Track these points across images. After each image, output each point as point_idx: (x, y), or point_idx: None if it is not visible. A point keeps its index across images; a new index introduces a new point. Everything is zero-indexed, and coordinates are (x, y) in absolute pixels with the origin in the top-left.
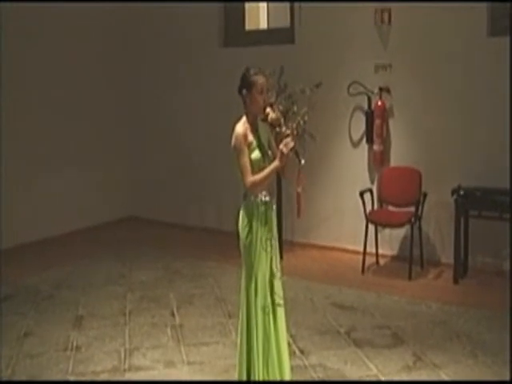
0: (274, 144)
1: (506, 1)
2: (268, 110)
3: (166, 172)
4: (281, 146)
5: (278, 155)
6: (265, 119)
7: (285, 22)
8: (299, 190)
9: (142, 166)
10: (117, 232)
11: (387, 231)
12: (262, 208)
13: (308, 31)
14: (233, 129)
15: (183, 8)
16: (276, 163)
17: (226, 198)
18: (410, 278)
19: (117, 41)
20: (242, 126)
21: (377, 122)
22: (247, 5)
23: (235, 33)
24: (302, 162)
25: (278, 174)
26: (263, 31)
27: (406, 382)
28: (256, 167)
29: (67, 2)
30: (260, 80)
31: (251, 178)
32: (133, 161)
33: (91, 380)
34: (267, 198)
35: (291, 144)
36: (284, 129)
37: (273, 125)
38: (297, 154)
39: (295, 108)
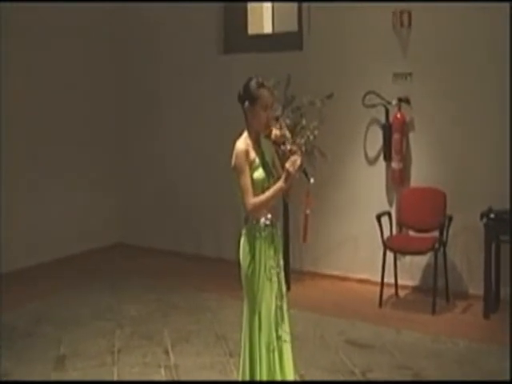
0: (278, 162)
1: (506, 0)
2: (271, 127)
3: (158, 195)
4: (287, 165)
5: (284, 175)
6: (268, 136)
7: (292, 26)
8: (308, 211)
9: (132, 188)
10: (105, 260)
11: (407, 259)
12: (266, 233)
13: (318, 36)
14: (233, 146)
15: (176, 9)
16: (281, 184)
17: (225, 223)
18: (433, 312)
19: (102, 54)
20: (243, 143)
21: (395, 136)
22: (250, 6)
23: (236, 38)
24: (311, 180)
25: (283, 197)
26: (268, 36)
27: (406, 382)
28: (259, 188)
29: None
30: (264, 95)
31: (253, 200)
32: (122, 184)
33: (91, 380)
34: (271, 222)
35: (299, 162)
36: (289, 146)
37: (277, 143)
38: (305, 173)
39: (304, 122)
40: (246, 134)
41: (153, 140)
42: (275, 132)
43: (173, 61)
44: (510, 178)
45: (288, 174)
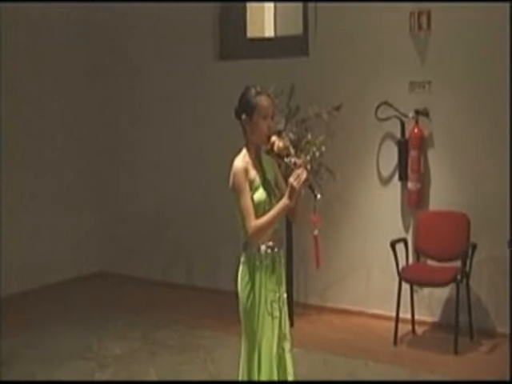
0: (282, 180)
1: (507, 0)
2: (273, 138)
3: (144, 218)
4: (290, 180)
5: (288, 191)
6: (270, 150)
7: (296, 29)
8: (316, 232)
9: (115, 211)
10: (84, 291)
11: (426, 292)
12: (268, 261)
13: (325, 40)
14: (231, 164)
15: (165, 10)
16: (285, 201)
17: (220, 250)
18: (455, 351)
19: (83, 66)
20: (241, 161)
21: (412, 153)
22: (249, 6)
23: (234, 42)
24: (318, 196)
25: (287, 218)
26: (269, 40)
27: (407, 382)
28: (260, 211)
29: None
30: (264, 102)
31: (255, 223)
32: (103, 206)
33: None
34: (273, 249)
35: (304, 176)
36: (294, 159)
37: (280, 155)
38: (311, 188)
39: (309, 136)
40: (244, 150)
41: (138, 159)
42: (277, 144)
43: (160, 69)
44: None
45: (292, 189)
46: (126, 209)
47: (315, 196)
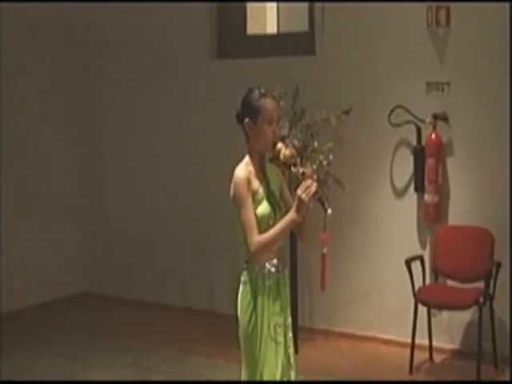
0: (288, 192)
1: (506, 0)
2: (279, 145)
3: (135, 234)
4: (299, 191)
5: (295, 204)
6: (275, 158)
7: (302, 25)
8: (325, 250)
9: (103, 227)
10: (67, 313)
11: (445, 315)
12: (271, 282)
13: (334, 37)
14: (231, 174)
15: (158, 4)
16: (292, 215)
17: (218, 268)
18: (478, 382)
19: (73, 67)
20: (243, 170)
21: (429, 162)
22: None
23: (233, 39)
24: (329, 211)
25: (292, 234)
26: (272, 37)
27: (408, 382)
28: (263, 226)
29: None
30: (269, 105)
31: (258, 238)
32: (90, 219)
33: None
34: (278, 268)
35: (313, 188)
36: (302, 169)
37: (287, 164)
38: (321, 201)
39: (316, 143)
40: (247, 158)
41: (127, 170)
42: (284, 151)
43: (151, 69)
44: None
45: (300, 202)
46: (114, 224)
47: (325, 210)
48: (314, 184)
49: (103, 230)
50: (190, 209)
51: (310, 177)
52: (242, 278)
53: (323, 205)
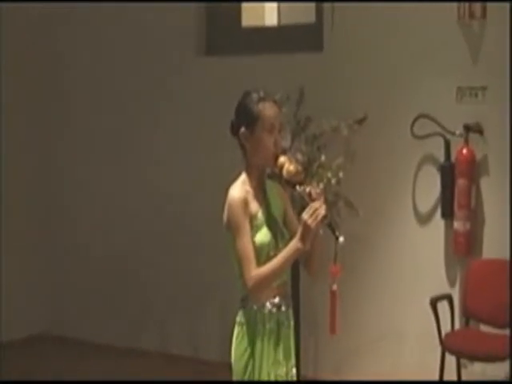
0: (292, 216)
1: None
2: (282, 159)
3: (104, 265)
4: (305, 216)
5: (300, 230)
6: (277, 174)
7: (307, 16)
8: (334, 287)
9: (65, 256)
10: (20, 360)
11: (477, 367)
12: (272, 324)
13: (345, 30)
14: (225, 194)
15: None
16: (296, 244)
17: (205, 306)
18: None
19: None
20: (239, 190)
21: (460, 182)
22: None
23: (225, 32)
24: (341, 239)
25: (296, 265)
26: (271, 30)
27: (408, 382)
28: (263, 257)
29: None
30: (269, 111)
31: (256, 272)
32: (50, 248)
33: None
34: (280, 308)
35: (322, 211)
36: (309, 188)
37: (291, 183)
38: (331, 228)
39: (323, 158)
40: (243, 176)
41: (98, 189)
42: (288, 167)
43: (125, 67)
44: None
45: (306, 228)
46: (79, 253)
47: (336, 238)
48: (323, 206)
49: (65, 260)
50: (172, 235)
51: (318, 198)
52: (238, 319)
53: (334, 232)
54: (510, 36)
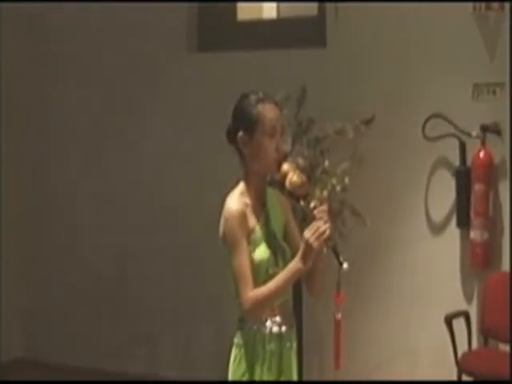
0: (295, 228)
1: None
2: (286, 167)
3: (87, 283)
4: (306, 234)
5: (301, 250)
6: (278, 182)
7: (308, 8)
8: (339, 316)
9: (46, 272)
10: None
11: None
12: (273, 345)
13: (350, 24)
14: (221, 205)
15: None
16: (296, 264)
17: (199, 326)
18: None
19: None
20: (237, 200)
21: (477, 188)
22: None
23: (219, 26)
24: (345, 265)
25: (298, 283)
26: (270, 23)
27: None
28: (261, 276)
29: None
30: (269, 112)
31: (253, 293)
32: (29, 264)
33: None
34: (281, 327)
35: (325, 229)
36: (314, 203)
37: (294, 195)
38: (335, 251)
39: (327, 163)
40: (241, 186)
41: (79, 196)
42: (291, 177)
43: (116, 67)
44: None
45: (308, 247)
46: (61, 268)
47: (340, 264)
48: (327, 225)
49: (47, 276)
50: (163, 248)
51: (323, 216)
52: (236, 340)
53: (338, 257)
54: (510, 36)
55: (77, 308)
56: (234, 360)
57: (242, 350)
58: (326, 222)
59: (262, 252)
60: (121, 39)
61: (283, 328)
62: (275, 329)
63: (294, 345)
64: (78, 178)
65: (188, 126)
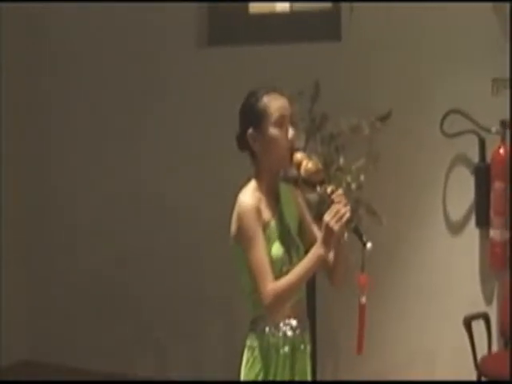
0: (310, 224)
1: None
2: (299, 156)
3: (94, 284)
4: (326, 217)
5: (322, 234)
6: (292, 176)
7: (322, 1)
8: (363, 300)
9: (51, 273)
10: None
11: None
12: (287, 349)
13: (366, 17)
14: (233, 201)
15: None
16: (317, 250)
17: (209, 327)
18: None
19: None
20: (251, 196)
21: (497, 186)
22: None
23: (230, 19)
24: (368, 245)
25: (312, 285)
26: (282, 17)
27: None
28: (275, 272)
29: None
30: (276, 102)
31: (273, 286)
32: (32, 265)
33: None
34: (296, 330)
35: (346, 212)
36: (331, 188)
37: (310, 182)
38: (357, 232)
39: (342, 160)
40: (253, 183)
41: (84, 196)
42: (306, 164)
43: (119, 62)
44: None
45: (328, 231)
46: (61, 269)
47: (364, 245)
48: (347, 208)
49: (45, 276)
50: (171, 249)
51: (342, 199)
52: (248, 343)
53: (361, 237)
54: (510, 36)
55: (85, 306)
56: (247, 363)
57: (255, 352)
58: (345, 205)
59: (276, 249)
60: (125, 35)
61: (297, 331)
62: (289, 332)
63: (308, 347)
64: (78, 178)
65: (198, 122)
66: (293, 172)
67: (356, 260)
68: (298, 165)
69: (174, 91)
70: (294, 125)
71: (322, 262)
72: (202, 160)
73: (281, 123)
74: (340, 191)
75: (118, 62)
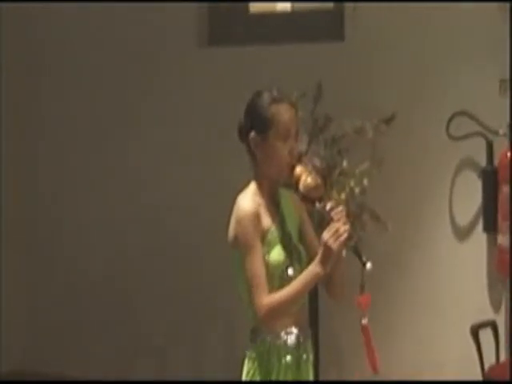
0: (311, 229)
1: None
2: (299, 169)
3: (92, 288)
4: (325, 236)
5: (320, 253)
6: (294, 186)
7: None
8: (365, 321)
9: (47, 277)
10: None
11: None
12: (290, 359)
13: (370, 16)
14: (231, 205)
15: None
16: (314, 269)
17: (207, 334)
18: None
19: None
20: (250, 200)
21: (505, 190)
22: None
23: (231, 19)
24: (368, 265)
25: (314, 289)
26: (284, 16)
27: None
28: (276, 278)
29: None
30: (284, 114)
31: (268, 299)
32: (28, 270)
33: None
34: (299, 339)
35: (344, 230)
36: (330, 204)
37: (309, 199)
38: (356, 252)
39: (345, 164)
40: (253, 186)
41: (81, 202)
42: (305, 179)
43: (118, 62)
44: None
45: (327, 250)
46: (61, 271)
47: (363, 265)
48: (346, 226)
49: (44, 281)
50: (171, 249)
51: (341, 217)
52: (249, 353)
53: (360, 257)
54: (510, 36)
55: (83, 312)
56: (247, 374)
57: (256, 363)
58: (344, 223)
59: (277, 254)
60: (125, 35)
61: (300, 339)
62: (291, 341)
63: (311, 356)
64: (77, 177)
65: (198, 123)
66: (292, 184)
67: (354, 278)
68: (297, 179)
69: (174, 91)
70: (297, 136)
71: (318, 279)
72: (202, 160)
73: (285, 137)
74: (340, 208)
75: (118, 62)
